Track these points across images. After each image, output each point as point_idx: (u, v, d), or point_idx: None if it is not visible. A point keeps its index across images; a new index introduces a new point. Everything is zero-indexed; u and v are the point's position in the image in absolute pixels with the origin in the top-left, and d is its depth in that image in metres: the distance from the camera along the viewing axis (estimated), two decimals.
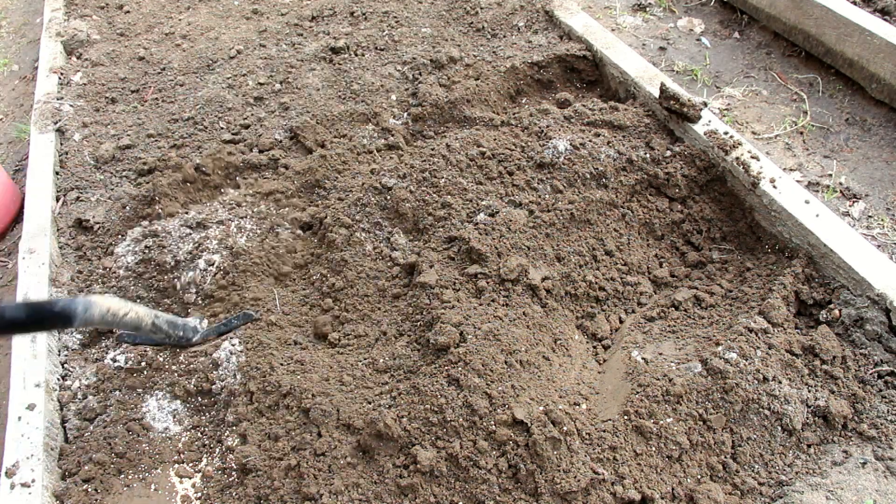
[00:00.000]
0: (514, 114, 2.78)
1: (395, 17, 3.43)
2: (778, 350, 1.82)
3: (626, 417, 1.74)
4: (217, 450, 1.97)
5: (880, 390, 1.80)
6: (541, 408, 1.75)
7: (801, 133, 2.82)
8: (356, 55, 3.22)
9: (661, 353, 1.95)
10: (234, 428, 1.97)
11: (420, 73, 3.03)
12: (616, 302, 2.21)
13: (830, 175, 2.62)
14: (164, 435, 2.02)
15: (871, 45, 2.75)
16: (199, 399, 2.09)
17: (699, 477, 1.70)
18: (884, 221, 2.43)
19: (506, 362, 1.86)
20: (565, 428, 1.69)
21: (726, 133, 2.37)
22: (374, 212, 2.43)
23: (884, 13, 3.04)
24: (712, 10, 3.54)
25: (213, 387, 2.07)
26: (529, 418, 1.71)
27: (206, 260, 2.35)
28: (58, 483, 1.87)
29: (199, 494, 1.89)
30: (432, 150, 2.57)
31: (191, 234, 2.45)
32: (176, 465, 1.96)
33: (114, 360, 2.18)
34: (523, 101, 2.95)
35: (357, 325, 2.19)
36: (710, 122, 2.44)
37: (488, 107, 2.86)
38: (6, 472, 1.80)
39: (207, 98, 3.04)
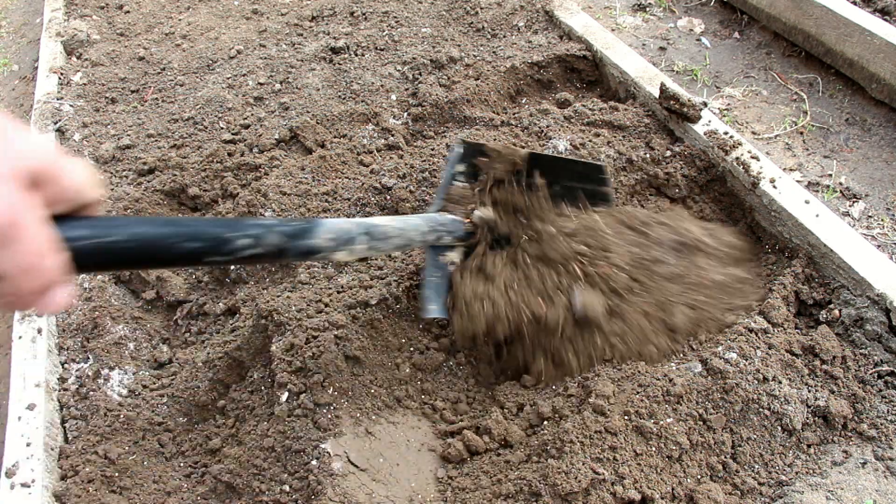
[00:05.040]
0: (514, 114, 2.77)
1: (395, 17, 3.43)
2: (778, 350, 1.81)
3: (626, 417, 1.74)
4: None
5: (880, 390, 1.80)
6: None
7: (801, 133, 2.82)
8: (356, 55, 3.22)
9: None
10: None
11: (420, 73, 3.03)
12: None
13: (830, 175, 2.62)
14: None
15: (871, 45, 2.75)
16: None
17: (699, 477, 1.69)
18: (884, 221, 2.43)
19: None
20: None
21: (726, 133, 2.37)
22: (374, 212, 2.43)
23: (884, 13, 3.04)
24: (712, 10, 3.54)
25: None
26: None
27: None
28: (58, 483, 1.87)
29: None
30: (432, 150, 2.57)
31: None
32: None
33: None
34: (523, 102, 2.95)
35: None
36: (710, 122, 2.44)
37: (488, 107, 2.86)
38: (6, 473, 1.79)
39: (207, 98, 3.04)
